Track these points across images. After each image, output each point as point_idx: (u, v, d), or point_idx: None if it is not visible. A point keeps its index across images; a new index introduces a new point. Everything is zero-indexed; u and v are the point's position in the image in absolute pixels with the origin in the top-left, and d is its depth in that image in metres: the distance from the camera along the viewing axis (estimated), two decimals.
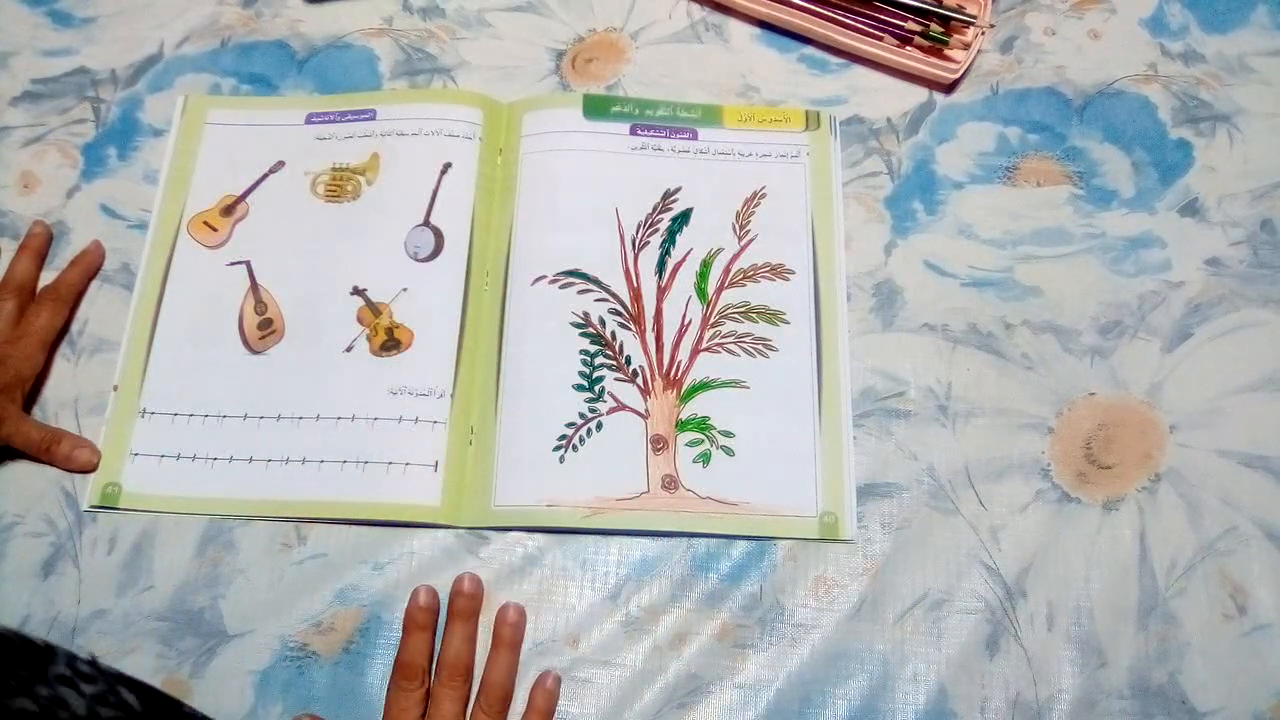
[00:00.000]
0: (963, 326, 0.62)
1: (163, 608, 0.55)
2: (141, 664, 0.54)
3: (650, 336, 0.61)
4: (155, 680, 0.54)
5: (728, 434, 0.59)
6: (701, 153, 0.66)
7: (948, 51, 0.68)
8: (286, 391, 0.60)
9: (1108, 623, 0.55)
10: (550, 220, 0.64)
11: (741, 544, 0.57)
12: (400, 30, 0.71)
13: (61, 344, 0.61)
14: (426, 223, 0.64)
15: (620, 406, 0.59)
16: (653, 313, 0.62)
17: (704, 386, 0.60)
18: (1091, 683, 0.54)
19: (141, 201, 0.65)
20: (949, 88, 0.68)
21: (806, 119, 0.67)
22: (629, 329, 0.61)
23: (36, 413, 0.59)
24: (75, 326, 0.62)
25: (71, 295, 0.61)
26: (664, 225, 0.64)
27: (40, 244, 0.63)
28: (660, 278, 0.63)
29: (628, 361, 0.61)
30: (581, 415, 0.59)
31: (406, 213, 0.64)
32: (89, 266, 0.62)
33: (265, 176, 0.66)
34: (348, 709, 0.53)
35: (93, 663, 0.34)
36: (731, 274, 0.63)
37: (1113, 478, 0.58)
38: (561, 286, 0.62)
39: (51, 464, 0.58)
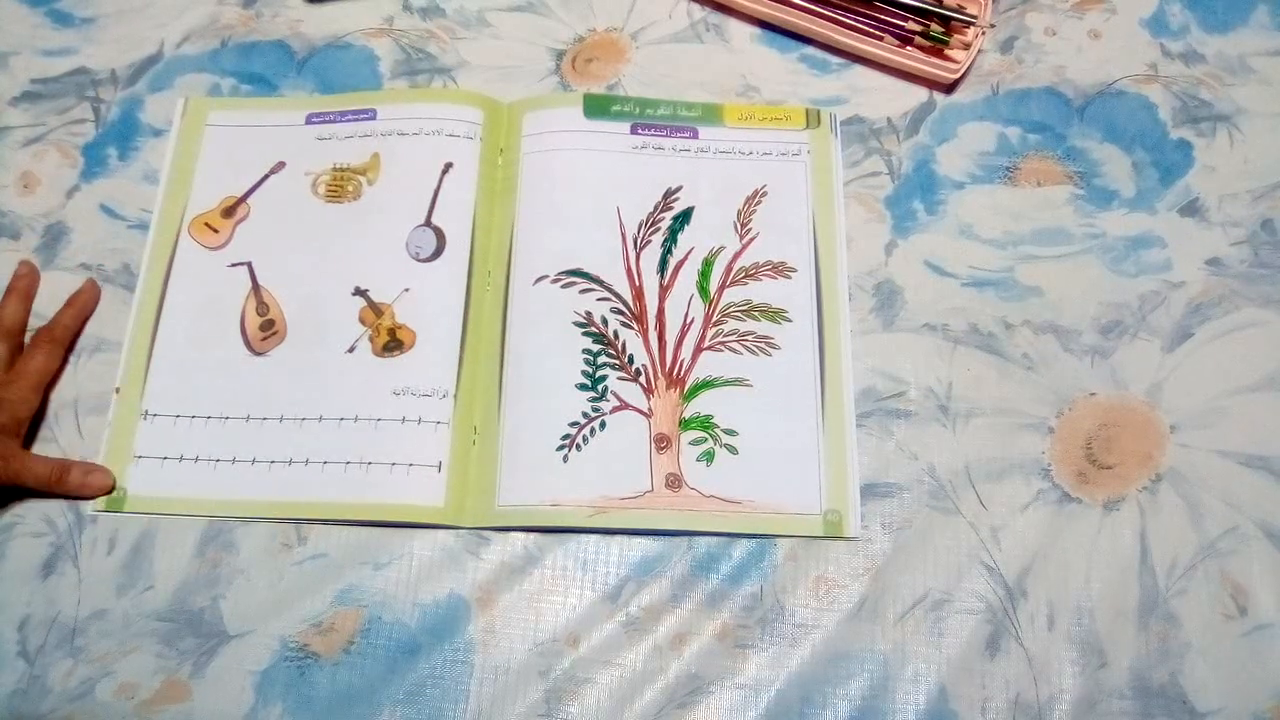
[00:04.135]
0: (963, 326, 0.62)
1: (163, 608, 0.55)
2: (141, 664, 0.54)
3: (653, 335, 0.61)
4: (155, 681, 0.54)
5: (731, 432, 0.59)
6: (702, 151, 0.66)
7: (948, 51, 0.68)
8: (289, 392, 0.60)
9: (1108, 623, 0.55)
10: (551, 220, 0.64)
11: (742, 544, 0.57)
12: (400, 30, 0.71)
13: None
14: (428, 223, 0.64)
15: (623, 405, 0.59)
16: (655, 312, 0.62)
17: (707, 385, 0.60)
18: (1092, 683, 0.54)
19: (141, 202, 0.65)
20: (949, 88, 0.68)
21: (807, 117, 0.67)
22: (631, 328, 0.61)
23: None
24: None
25: (67, 337, 0.60)
26: (665, 224, 0.64)
27: (27, 285, 0.61)
28: (662, 277, 0.63)
29: (630, 360, 0.61)
30: (585, 415, 0.59)
31: (408, 213, 0.64)
32: (84, 307, 0.61)
33: (266, 177, 0.65)
34: (348, 710, 0.53)
35: None
36: (733, 272, 0.63)
37: (1113, 478, 0.58)
38: (563, 286, 0.62)
39: (65, 495, 0.57)
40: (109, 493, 0.57)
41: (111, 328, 0.62)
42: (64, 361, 0.60)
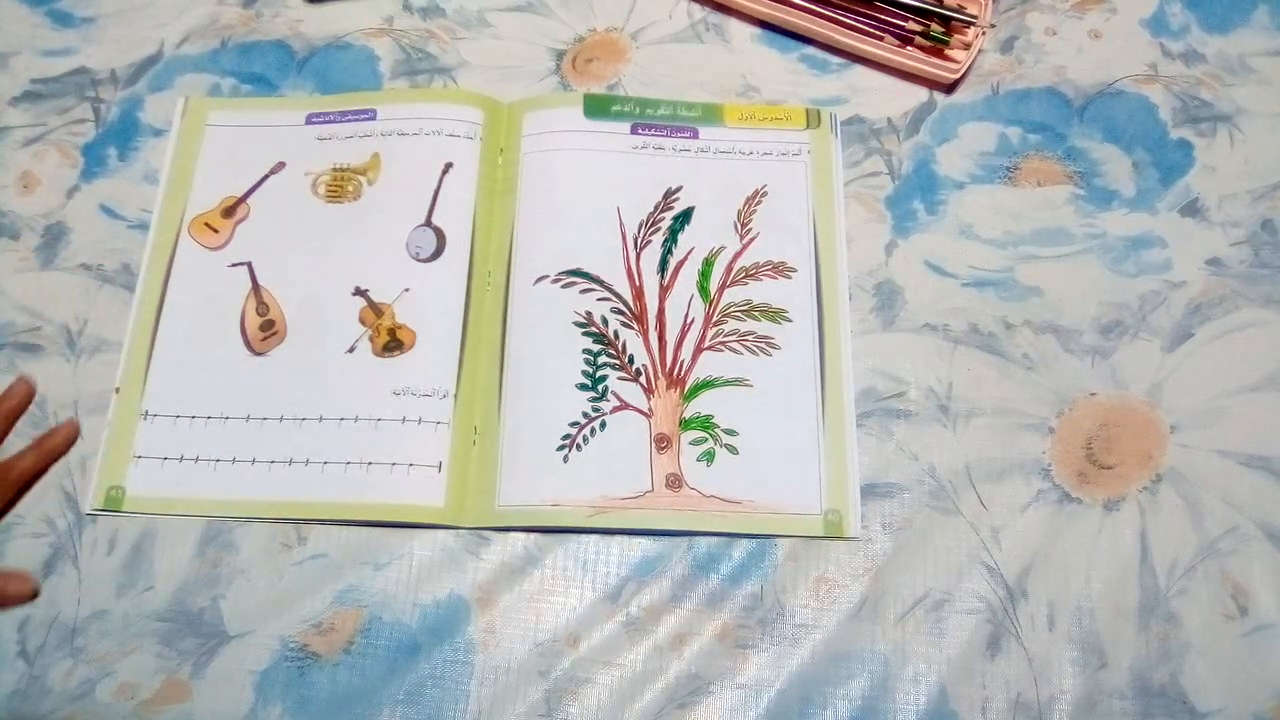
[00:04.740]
0: (963, 326, 0.62)
1: (163, 608, 0.55)
2: (142, 664, 0.54)
3: (653, 335, 0.61)
4: (155, 681, 0.54)
5: (731, 432, 0.59)
6: (703, 151, 0.66)
7: (948, 51, 0.68)
8: (289, 393, 0.60)
9: (1109, 623, 0.55)
10: (552, 220, 0.64)
11: (742, 544, 0.57)
12: (400, 30, 0.71)
13: (60, 344, 0.61)
14: (428, 223, 0.64)
15: (624, 406, 0.59)
16: (655, 312, 0.62)
17: (707, 385, 0.60)
18: (1093, 683, 0.54)
19: (141, 201, 0.65)
20: (950, 88, 0.68)
21: (807, 117, 0.67)
22: (631, 328, 0.61)
23: (35, 411, 0.59)
24: (75, 326, 0.62)
25: (22, 482, 0.49)
26: (665, 224, 0.64)
27: (14, 408, 0.49)
28: (662, 277, 0.63)
29: (630, 360, 0.61)
30: (585, 415, 0.59)
31: (408, 213, 0.64)
32: (53, 452, 0.49)
33: (266, 177, 0.65)
34: (348, 710, 0.53)
35: None
36: (734, 272, 0.63)
37: (1113, 478, 0.58)
38: (564, 286, 0.62)
39: None
40: (33, 597, 0.44)
41: (111, 328, 0.62)
42: (11, 504, 0.48)
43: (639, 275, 0.63)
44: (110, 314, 0.62)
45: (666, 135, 0.66)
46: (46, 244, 0.64)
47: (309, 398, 0.59)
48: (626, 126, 0.67)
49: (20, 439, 0.58)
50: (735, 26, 0.71)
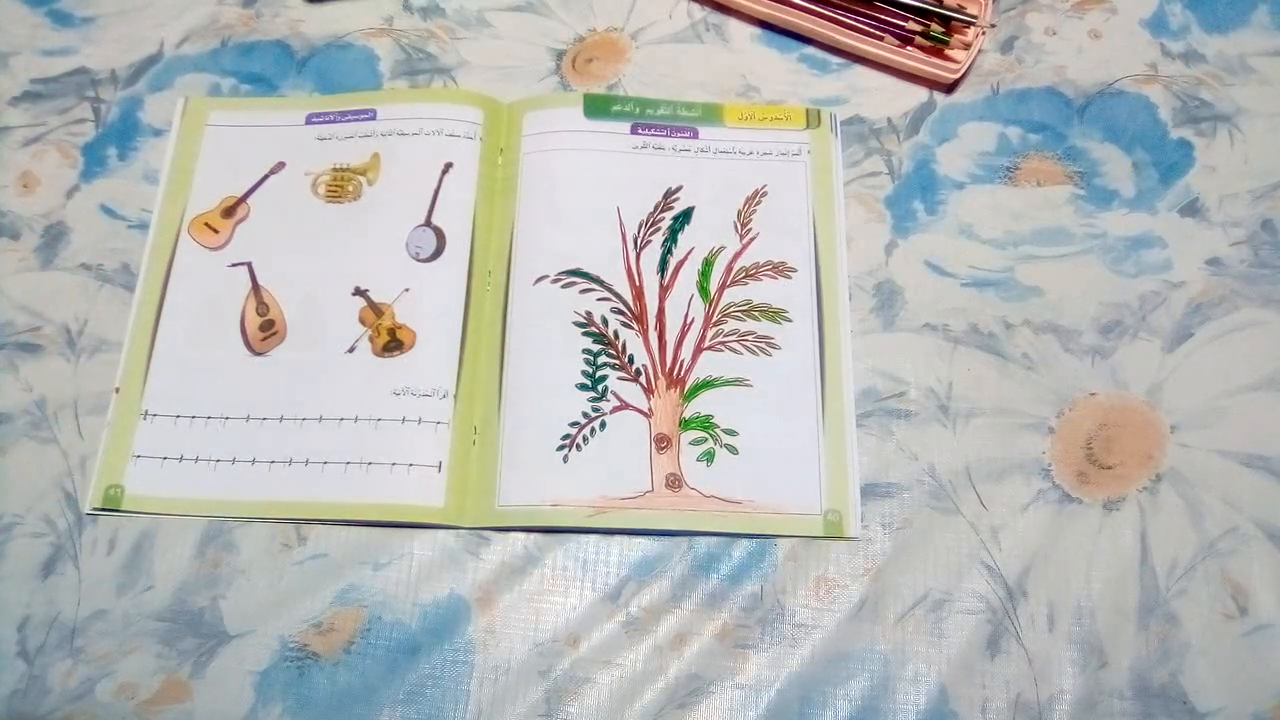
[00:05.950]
0: (963, 326, 0.62)
1: (163, 608, 0.55)
2: (141, 664, 0.54)
3: (653, 335, 0.61)
4: (155, 681, 0.54)
5: (731, 432, 0.59)
6: (702, 151, 0.66)
7: (948, 51, 0.68)
8: (289, 393, 0.60)
9: (1109, 623, 0.55)
10: (552, 220, 0.64)
11: (742, 544, 0.57)
12: (400, 30, 0.71)
13: (60, 344, 0.61)
14: (428, 223, 0.64)
15: (623, 406, 0.59)
16: (655, 312, 0.62)
17: (707, 385, 0.60)
18: (1092, 683, 0.54)
19: (141, 202, 0.65)
20: (950, 88, 0.68)
21: (807, 117, 0.67)
22: (631, 328, 0.61)
23: (35, 411, 0.59)
24: (75, 326, 0.62)
25: None
26: (665, 224, 0.64)
27: None
28: (662, 276, 0.63)
29: (630, 360, 0.61)
30: (585, 415, 0.59)
31: (408, 213, 0.64)
32: None
33: (266, 177, 0.65)
34: (348, 710, 0.53)
35: None
36: (734, 272, 0.63)
37: (1113, 478, 0.58)
38: (563, 286, 0.62)
39: None
40: None
41: (111, 328, 0.62)
42: None
43: (639, 275, 0.63)
44: (110, 314, 0.62)
45: (666, 135, 0.67)
46: (46, 244, 0.64)
47: (309, 398, 0.59)
48: (626, 126, 0.67)
49: (20, 439, 0.59)
50: (735, 26, 0.71)
